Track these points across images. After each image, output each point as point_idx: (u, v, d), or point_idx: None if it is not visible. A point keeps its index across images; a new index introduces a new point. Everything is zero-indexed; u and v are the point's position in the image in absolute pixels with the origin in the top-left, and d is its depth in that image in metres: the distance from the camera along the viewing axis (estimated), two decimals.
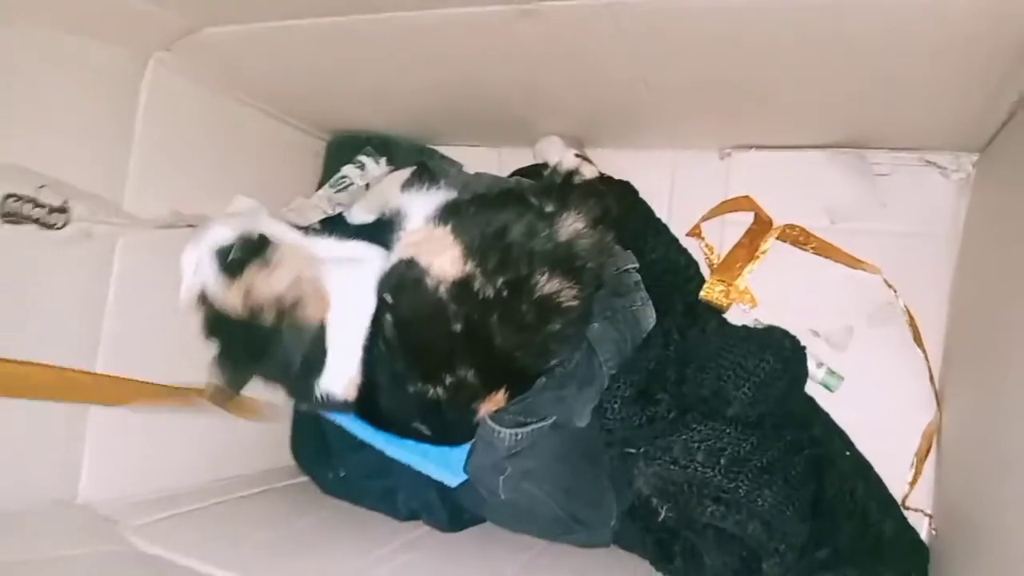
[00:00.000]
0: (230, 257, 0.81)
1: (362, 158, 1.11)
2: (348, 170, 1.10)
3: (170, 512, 0.88)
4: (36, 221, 0.76)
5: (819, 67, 0.77)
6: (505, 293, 0.81)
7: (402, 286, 0.84)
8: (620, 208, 0.93)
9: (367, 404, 0.89)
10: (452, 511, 0.97)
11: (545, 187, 0.94)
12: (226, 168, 1.01)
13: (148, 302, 0.89)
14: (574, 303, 0.84)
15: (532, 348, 0.85)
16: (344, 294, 0.87)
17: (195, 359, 0.83)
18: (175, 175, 0.92)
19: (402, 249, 0.87)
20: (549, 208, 0.86)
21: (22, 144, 0.76)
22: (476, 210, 0.85)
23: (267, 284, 0.82)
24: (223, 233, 0.83)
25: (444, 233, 0.84)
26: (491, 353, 0.83)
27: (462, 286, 0.81)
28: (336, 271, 0.88)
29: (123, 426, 0.87)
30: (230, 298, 0.81)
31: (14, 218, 0.74)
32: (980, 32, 0.65)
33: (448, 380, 0.83)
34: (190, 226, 0.91)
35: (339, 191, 1.10)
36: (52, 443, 0.83)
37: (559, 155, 1.01)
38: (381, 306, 0.86)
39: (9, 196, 0.73)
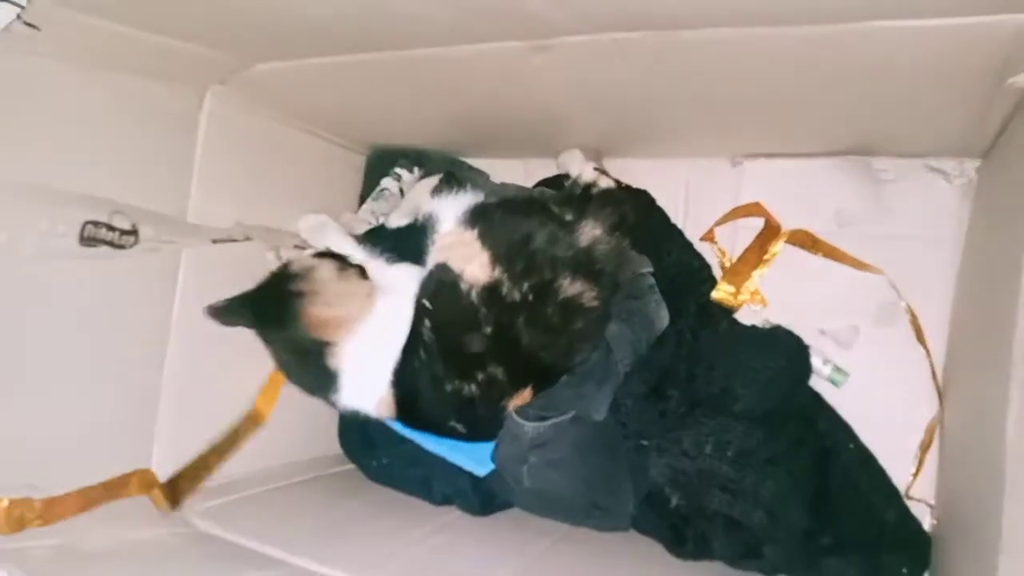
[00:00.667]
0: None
1: (398, 170, 1.20)
2: (386, 182, 1.20)
3: (229, 497, 0.98)
4: (110, 243, 0.86)
5: (820, 87, 0.82)
6: (531, 297, 0.89)
7: (439, 291, 0.93)
8: (636, 216, 1.00)
9: (408, 410, 0.98)
10: (483, 497, 1.05)
11: (565, 197, 1.01)
12: (278, 186, 1.11)
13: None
14: (595, 304, 0.91)
15: (557, 347, 0.93)
16: (375, 323, 0.95)
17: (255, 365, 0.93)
18: (232, 195, 1.02)
19: (437, 253, 0.95)
20: (569, 217, 0.94)
21: (98, 175, 0.85)
22: (502, 216, 0.93)
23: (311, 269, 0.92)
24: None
25: (473, 238, 0.92)
26: (519, 353, 0.91)
27: (491, 291, 0.89)
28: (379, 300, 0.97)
29: (190, 415, 0.97)
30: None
31: (91, 241, 0.84)
32: (967, 54, 0.69)
33: (480, 377, 0.91)
34: (247, 239, 1.02)
35: (378, 201, 1.20)
36: (124, 428, 0.91)
37: (579, 168, 1.07)
38: (420, 312, 0.94)
39: (88, 223, 0.83)
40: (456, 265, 0.91)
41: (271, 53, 0.90)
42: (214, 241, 0.99)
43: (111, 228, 0.86)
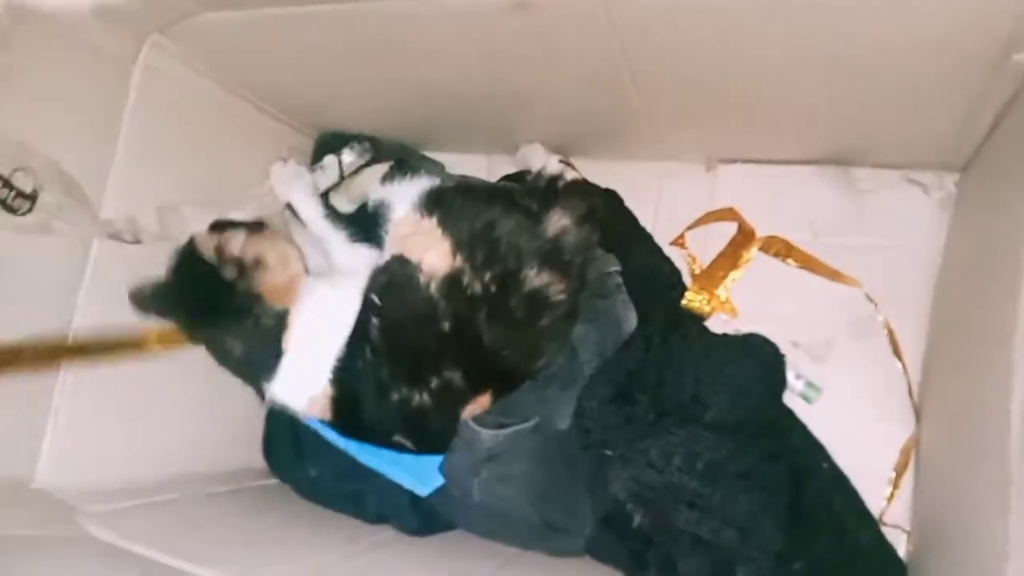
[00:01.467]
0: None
1: (345, 150, 1.10)
2: (328, 159, 1.10)
3: (129, 503, 0.85)
4: (1, 202, 0.75)
5: (803, 78, 0.78)
6: (494, 288, 0.81)
7: (392, 285, 0.84)
8: (607, 208, 0.94)
9: (346, 417, 0.88)
10: (422, 517, 0.95)
11: (530, 189, 0.94)
12: (210, 155, 1.00)
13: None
14: (561, 297, 0.84)
15: (520, 346, 0.85)
16: (323, 306, 0.86)
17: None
18: (160, 156, 0.91)
19: (392, 244, 0.87)
20: (535, 207, 0.87)
21: (12, 114, 0.75)
22: (463, 202, 0.85)
23: (247, 243, 0.84)
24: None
25: (432, 225, 0.84)
26: (479, 352, 0.82)
27: (452, 282, 0.81)
28: (325, 282, 0.89)
29: (87, 415, 0.84)
30: (205, 246, 0.84)
31: None
32: (952, 54, 0.67)
33: (434, 383, 0.82)
34: (137, 241, 0.89)
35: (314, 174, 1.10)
36: (11, 425, 0.79)
37: (543, 160, 1.01)
38: (368, 308, 0.85)
39: None
40: (413, 255, 0.83)
41: (223, 0, 0.81)
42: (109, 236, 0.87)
43: (8, 185, 0.75)
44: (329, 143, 1.15)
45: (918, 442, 0.89)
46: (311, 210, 0.98)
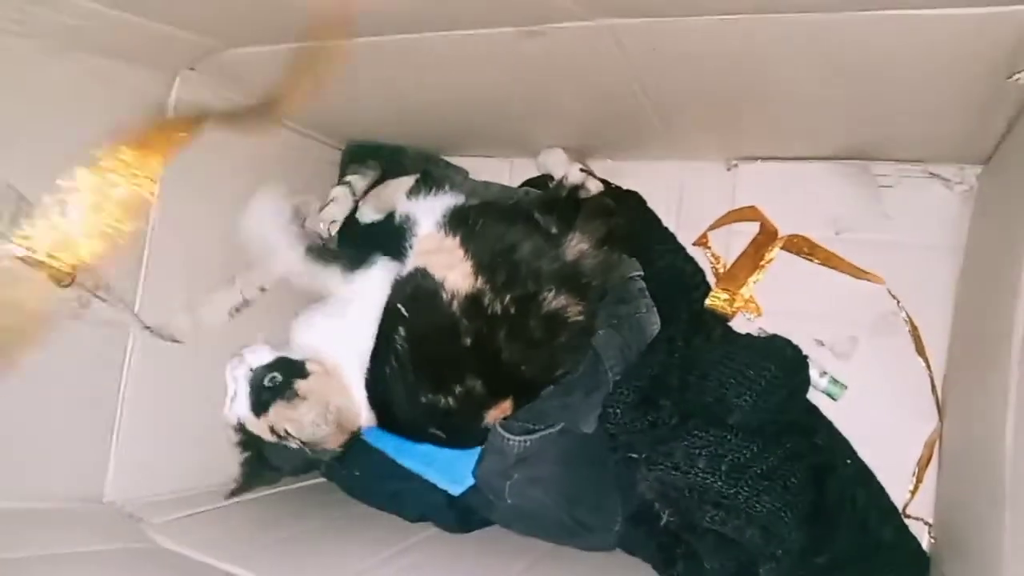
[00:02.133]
0: (259, 396, 0.89)
1: (349, 178, 1.14)
2: (337, 191, 1.14)
3: (189, 511, 0.92)
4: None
5: (821, 82, 0.78)
6: (513, 309, 0.85)
7: (417, 297, 0.88)
8: (627, 225, 0.96)
9: (384, 417, 0.94)
10: (460, 514, 0.99)
11: (550, 202, 0.96)
12: (248, 178, 1.04)
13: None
14: (579, 318, 0.88)
15: (538, 361, 0.89)
16: (349, 333, 0.92)
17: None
18: (199, 185, 0.96)
19: (416, 257, 0.90)
20: (554, 229, 0.90)
21: (59, 156, 0.79)
22: (484, 223, 0.88)
23: (291, 418, 0.89)
24: (260, 358, 0.91)
25: (455, 244, 0.88)
26: (499, 365, 0.87)
27: (473, 301, 0.85)
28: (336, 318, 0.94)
29: (148, 429, 0.91)
30: (259, 429, 0.89)
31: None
32: (970, 48, 0.67)
33: (457, 390, 0.87)
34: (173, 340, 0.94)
35: (328, 207, 1.13)
36: (80, 444, 0.86)
37: (564, 169, 1.03)
38: (393, 318, 0.89)
39: None
40: (437, 272, 0.87)
41: (246, 37, 0.85)
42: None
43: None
44: (357, 153, 1.19)
45: (941, 436, 0.91)
46: (298, 266, 0.99)
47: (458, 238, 0.87)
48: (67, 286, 0.80)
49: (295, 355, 0.92)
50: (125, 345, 0.89)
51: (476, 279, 0.84)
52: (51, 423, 0.82)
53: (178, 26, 0.80)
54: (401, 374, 0.88)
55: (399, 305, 0.89)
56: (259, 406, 0.89)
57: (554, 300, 0.85)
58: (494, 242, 0.86)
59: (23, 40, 0.75)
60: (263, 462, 0.92)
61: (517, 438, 0.90)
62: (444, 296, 0.85)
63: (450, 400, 0.87)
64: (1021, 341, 0.62)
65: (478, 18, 0.73)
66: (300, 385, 0.90)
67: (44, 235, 0.77)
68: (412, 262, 0.91)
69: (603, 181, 1.08)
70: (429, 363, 0.88)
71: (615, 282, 0.94)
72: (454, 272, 0.86)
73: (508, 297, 0.84)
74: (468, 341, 0.85)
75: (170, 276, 0.93)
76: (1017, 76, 0.66)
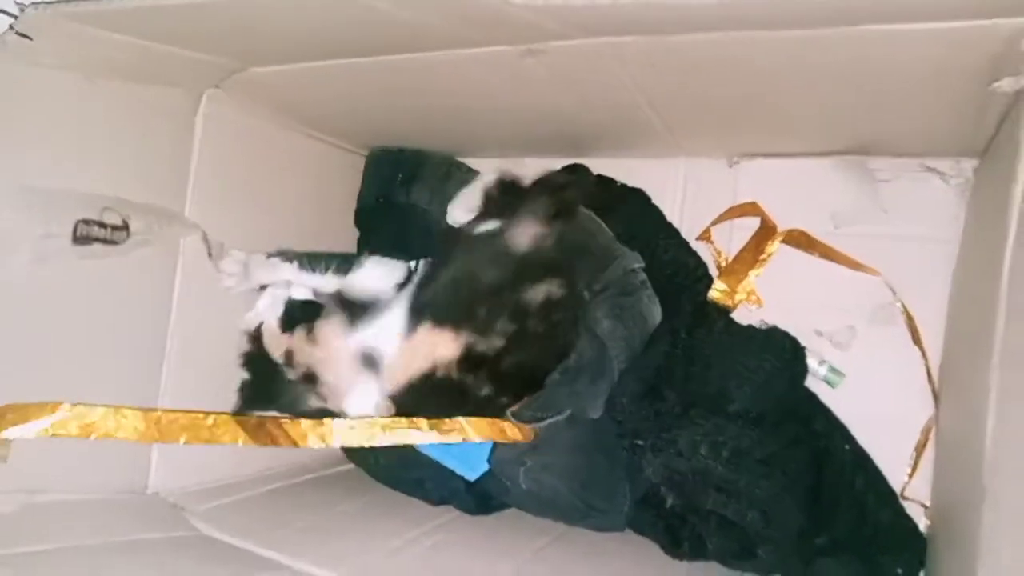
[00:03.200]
0: (291, 314, 0.93)
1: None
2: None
3: (229, 499, 0.99)
4: (103, 240, 0.86)
5: (815, 89, 0.81)
6: (507, 331, 0.89)
7: (422, 393, 0.92)
8: (578, 194, 0.98)
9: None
10: (478, 498, 1.05)
11: (488, 202, 0.99)
12: (275, 187, 1.11)
13: (210, 303, 1.00)
14: (563, 291, 0.91)
15: (545, 349, 0.93)
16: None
17: None
18: (230, 198, 1.03)
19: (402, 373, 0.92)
20: (493, 227, 0.92)
21: (94, 180, 0.86)
22: (436, 296, 0.91)
23: (304, 351, 0.93)
24: (303, 290, 0.95)
25: (425, 332, 0.90)
26: (511, 376, 0.92)
27: (467, 358, 0.89)
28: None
29: (191, 395, 0.97)
30: (274, 344, 0.94)
31: (85, 240, 0.84)
32: (957, 57, 0.69)
33: (473, 405, 0.92)
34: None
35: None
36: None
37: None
38: (404, 409, 0.92)
39: (80, 221, 0.83)
40: (427, 364, 0.90)
41: (266, 58, 0.90)
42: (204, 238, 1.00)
43: (102, 225, 0.87)
44: (380, 158, 1.25)
45: (937, 423, 0.94)
46: (297, 279, 1.00)
47: (426, 326, 0.90)
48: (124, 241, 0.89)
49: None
50: (164, 344, 0.96)
51: (459, 339, 0.88)
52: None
53: (203, 51, 0.86)
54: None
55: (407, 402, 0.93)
56: (287, 323, 0.94)
57: (533, 294, 0.88)
58: (453, 304, 0.89)
59: (64, 73, 0.81)
60: (259, 386, 0.96)
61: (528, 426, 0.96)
62: (439, 374, 0.89)
63: (467, 411, 0.92)
64: (1002, 337, 0.65)
65: (481, 38, 0.77)
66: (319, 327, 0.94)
67: None
68: (397, 375, 0.92)
69: (608, 179, 1.12)
70: (445, 410, 0.92)
71: (616, 270, 0.98)
72: (439, 349, 0.89)
73: (497, 326, 0.88)
74: (483, 390, 0.91)
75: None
76: (997, 84, 0.69)
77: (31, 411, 0.77)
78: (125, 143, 0.90)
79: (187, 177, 0.98)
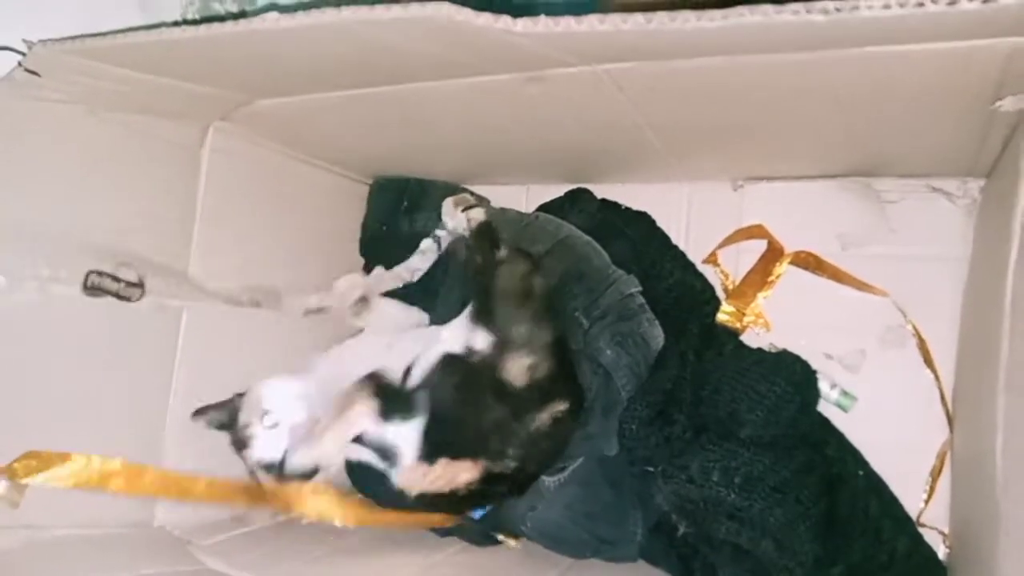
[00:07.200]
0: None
1: (438, 232, 1.17)
2: (426, 243, 1.18)
3: (235, 532, 0.97)
4: (115, 294, 0.86)
5: (817, 112, 0.81)
6: (521, 453, 0.89)
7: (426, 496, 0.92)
8: (545, 281, 0.96)
9: None
10: (484, 534, 1.03)
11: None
12: (281, 217, 1.12)
13: (212, 370, 1.00)
14: (549, 338, 0.92)
15: (554, 456, 0.94)
16: None
17: None
18: (236, 228, 1.03)
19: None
20: (487, 349, 0.90)
21: (100, 213, 0.87)
22: (445, 425, 0.90)
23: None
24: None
25: (443, 465, 0.89)
26: (524, 483, 0.93)
27: (487, 478, 0.89)
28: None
29: (195, 455, 0.97)
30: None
31: (95, 291, 0.85)
32: (959, 77, 0.69)
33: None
34: (256, 304, 1.03)
35: (415, 257, 1.19)
36: None
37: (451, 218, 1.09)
38: None
39: (92, 272, 0.84)
40: (444, 487, 0.90)
41: (271, 90, 0.91)
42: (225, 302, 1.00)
43: (116, 279, 0.87)
44: (384, 187, 1.25)
45: (952, 447, 0.92)
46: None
47: (443, 459, 0.89)
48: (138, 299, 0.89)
49: None
50: (170, 374, 0.96)
51: (477, 464, 0.88)
52: (98, 451, 0.86)
53: (209, 84, 0.87)
54: None
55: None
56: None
57: (540, 420, 0.89)
58: (463, 438, 0.89)
59: (70, 106, 0.82)
60: None
61: (551, 478, 0.95)
62: (460, 493, 0.89)
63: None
64: (1007, 358, 0.64)
65: (483, 67, 0.78)
66: None
67: None
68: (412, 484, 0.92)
69: (613, 203, 1.12)
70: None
71: (614, 295, 0.98)
72: (460, 476, 0.89)
73: (509, 452, 0.88)
74: (504, 488, 0.92)
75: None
76: (999, 103, 0.69)
77: (53, 459, 0.78)
78: (132, 176, 0.91)
79: (194, 208, 0.98)
